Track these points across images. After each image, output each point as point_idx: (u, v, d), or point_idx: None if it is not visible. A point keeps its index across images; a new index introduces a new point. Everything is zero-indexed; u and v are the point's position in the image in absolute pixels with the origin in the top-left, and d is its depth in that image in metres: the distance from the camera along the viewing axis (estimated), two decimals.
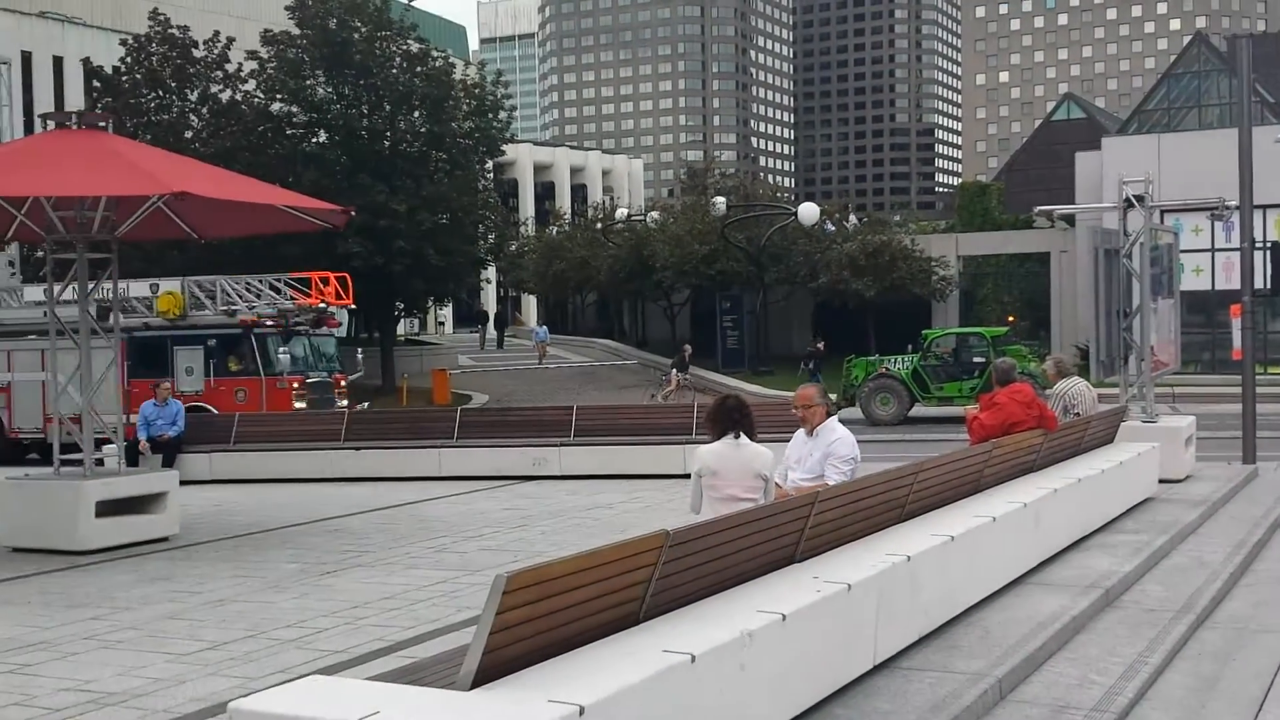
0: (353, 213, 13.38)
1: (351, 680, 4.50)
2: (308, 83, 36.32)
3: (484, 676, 4.20)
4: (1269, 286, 19.26)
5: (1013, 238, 49.43)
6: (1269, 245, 20.14)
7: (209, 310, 23.92)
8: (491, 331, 56.84)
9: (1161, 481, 12.68)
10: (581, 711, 3.99)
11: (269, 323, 23.47)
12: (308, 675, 6.50)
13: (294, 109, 36.92)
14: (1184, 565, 9.41)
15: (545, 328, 52.06)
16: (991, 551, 7.81)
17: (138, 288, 24.54)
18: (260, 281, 24.38)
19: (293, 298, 24.20)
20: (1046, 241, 45.75)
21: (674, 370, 34.28)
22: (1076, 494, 9.62)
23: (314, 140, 37.06)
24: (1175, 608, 8.01)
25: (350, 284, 25.89)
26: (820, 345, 36.21)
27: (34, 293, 24.95)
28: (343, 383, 25.30)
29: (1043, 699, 6.15)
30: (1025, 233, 49.56)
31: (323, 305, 24.31)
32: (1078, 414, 11.83)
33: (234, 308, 23.73)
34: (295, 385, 23.17)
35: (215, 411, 21.84)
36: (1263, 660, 7.17)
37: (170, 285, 24.38)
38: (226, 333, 23.48)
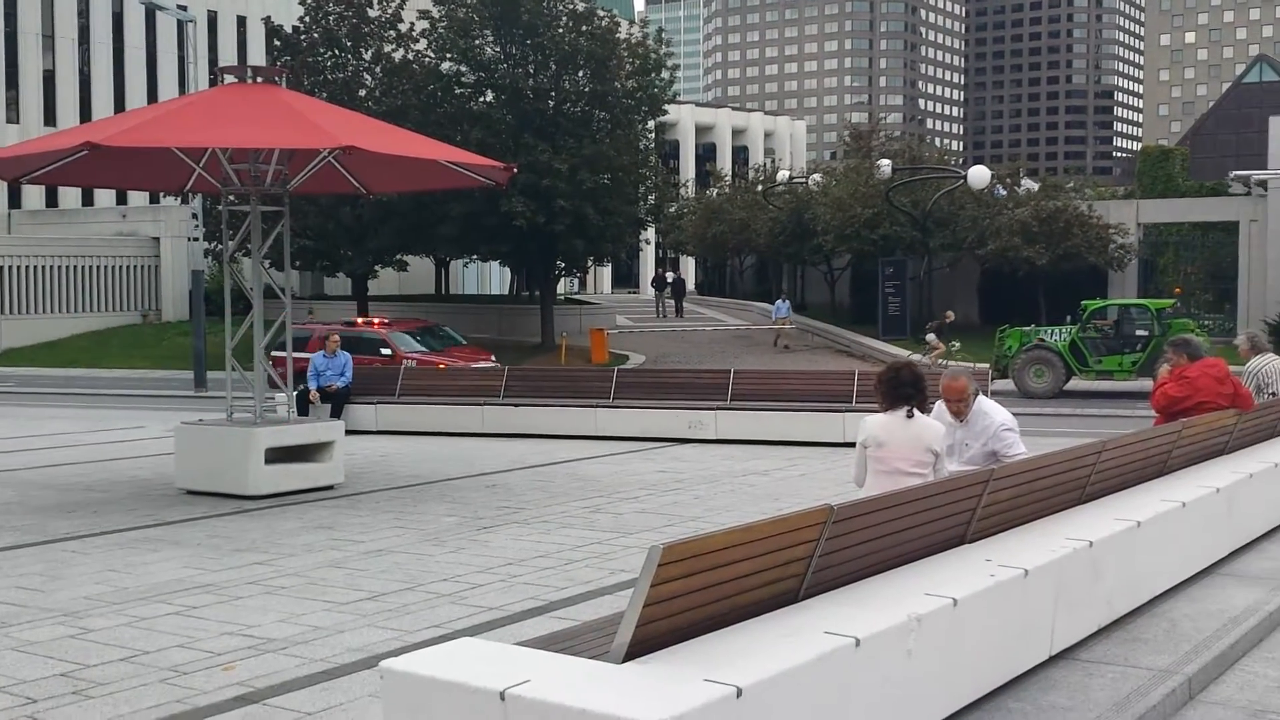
0: (515, 170, 13.35)
1: (502, 645, 4.37)
2: (476, 42, 36.65)
3: (636, 650, 4.04)
4: None
5: (1198, 205, 46.97)
6: None
7: None
8: (669, 298, 51.33)
9: None
10: (739, 693, 3.79)
11: None
12: (461, 632, 6.49)
13: (463, 68, 37.33)
14: None
15: (786, 301, 42.33)
16: (1180, 539, 7.31)
17: None
18: None
19: None
20: (1235, 210, 43.34)
21: (931, 335, 33.24)
22: (1273, 479, 8.97)
23: (481, 99, 37.42)
24: None
25: None
26: (949, 315, 34.53)
27: None
28: None
29: (1237, 700, 5.70)
30: (1213, 200, 47.05)
31: None
32: (1273, 394, 11.03)
33: None
34: None
35: None
36: None
37: None
38: None
